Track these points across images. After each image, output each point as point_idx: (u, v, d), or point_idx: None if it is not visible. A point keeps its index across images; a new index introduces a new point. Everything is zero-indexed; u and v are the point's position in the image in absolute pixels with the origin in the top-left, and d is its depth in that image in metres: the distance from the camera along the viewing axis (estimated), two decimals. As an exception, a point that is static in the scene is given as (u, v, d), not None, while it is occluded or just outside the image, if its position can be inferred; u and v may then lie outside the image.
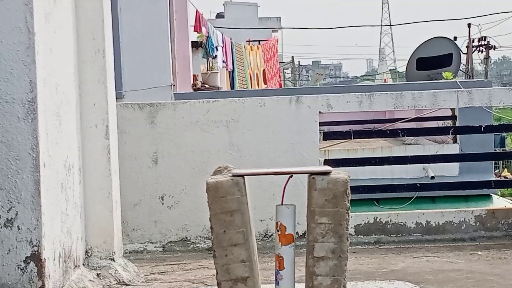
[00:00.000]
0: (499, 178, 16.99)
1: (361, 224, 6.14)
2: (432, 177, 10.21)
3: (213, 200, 3.21)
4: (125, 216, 5.85)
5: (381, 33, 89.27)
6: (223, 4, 31.33)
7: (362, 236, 6.09)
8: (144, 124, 6.14)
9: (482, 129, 6.69)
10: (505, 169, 23.80)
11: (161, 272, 5.30)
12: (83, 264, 4.84)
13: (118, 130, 5.42)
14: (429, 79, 15.45)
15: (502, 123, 14.97)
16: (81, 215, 4.83)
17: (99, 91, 4.95)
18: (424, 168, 10.45)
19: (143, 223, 6.13)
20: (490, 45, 37.26)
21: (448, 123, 11.30)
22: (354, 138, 7.43)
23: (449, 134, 10.32)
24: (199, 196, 5.60)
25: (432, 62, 17.75)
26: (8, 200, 3.91)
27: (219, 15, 30.97)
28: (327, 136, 7.00)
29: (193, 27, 14.69)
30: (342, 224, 3.27)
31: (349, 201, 3.31)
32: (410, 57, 18.52)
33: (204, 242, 6.08)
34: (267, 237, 6.08)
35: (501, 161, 24.31)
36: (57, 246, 4.20)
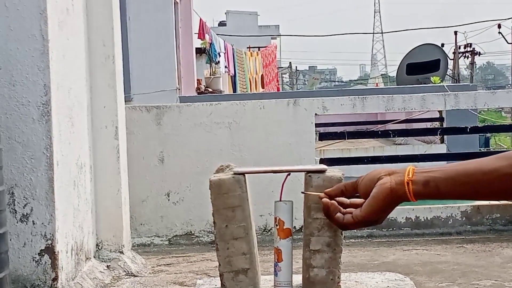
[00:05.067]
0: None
1: (354, 219, 6.14)
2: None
3: (216, 197, 3.21)
4: (133, 212, 5.85)
5: (373, 40, 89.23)
6: (225, 13, 31.34)
7: (355, 230, 6.09)
8: (151, 125, 6.14)
9: (468, 130, 6.69)
10: (489, 168, 23.70)
11: (167, 264, 5.30)
12: (94, 257, 4.84)
13: (127, 131, 5.42)
14: (418, 83, 15.46)
15: (486, 124, 14.96)
16: (92, 210, 4.83)
17: (109, 94, 4.95)
18: (413, 167, 10.43)
19: (150, 218, 6.13)
20: (475, 52, 37.23)
21: (436, 124, 11.29)
22: (348, 139, 7.42)
23: (437, 135, 10.31)
24: (202, 193, 5.60)
25: (421, 67, 17.76)
26: (24, 197, 3.91)
27: (221, 23, 30.97)
28: (322, 136, 7.00)
29: (197, 35, 14.70)
30: (337, 219, 3.26)
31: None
32: (400, 62, 18.53)
33: (207, 236, 6.08)
34: (266, 231, 6.08)
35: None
36: (69, 240, 4.20)
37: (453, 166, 1.22)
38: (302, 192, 1.59)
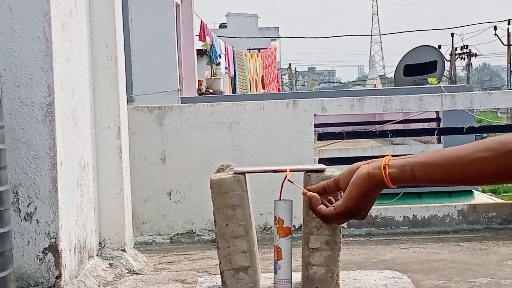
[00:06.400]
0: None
1: (352, 217, 6.13)
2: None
3: (217, 196, 3.21)
4: (136, 211, 5.85)
5: (371, 42, 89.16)
6: (226, 15, 31.32)
7: (353, 229, 6.09)
8: (153, 125, 6.14)
9: (464, 130, 6.69)
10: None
11: (169, 262, 5.30)
12: (97, 255, 4.84)
13: (129, 131, 5.42)
14: (416, 84, 15.45)
15: (482, 124, 14.96)
16: (95, 209, 4.83)
17: (111, 95, 4.95)
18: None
19: (152, 217, 6.13)
20: (471, 53, 37.25)
21: (433, 124, 11.29)
22: (346, 139, 7.42)
23: (434, 135, 10.30)
24: (203, 192, 5.60)
25: (418, 69, 17.74)
26: (28, 196, 3.91)
27: (222, 25, 30.94)
28: (321, 136, 7.00)
29: (198, 36, 14.70)
30: (335, 218, 3.25)
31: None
32: (398, 64, 18.51)
33: (208, 234, 6.08)
34: (266, 230, 6.08)
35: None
36: (72, 238, 4.20)
37: (431, 152, 1.23)
38: (288, 180, 1.60)
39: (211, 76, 14.53)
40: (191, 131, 6.13)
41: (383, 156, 1.26)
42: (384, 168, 1.23)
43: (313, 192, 1.35)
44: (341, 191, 1.34)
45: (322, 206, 1.33)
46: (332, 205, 1.33)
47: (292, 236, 3.28)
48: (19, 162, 3.90)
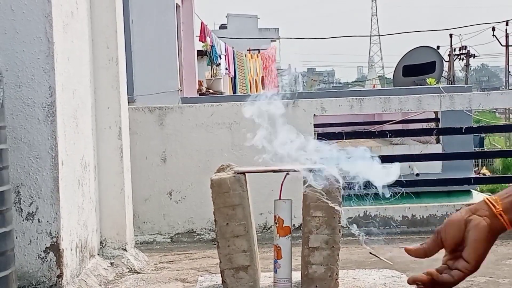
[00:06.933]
0: (478, 175, 16.98)
1: (352, 217, 6.14)
2: (417, 175, 10.17)
3: (217, 195, 3.22)
4: (137, 210, 5.84)
5: (370, 43, 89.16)
6: (226, 16, 31.29)
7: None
8: (153, 126, 6.14)
9: (463, 131, 6.68)
10: (484, 167, 23.77)
11: (169, 261, 5.30)
12: (98, 254, 4.84)
13: (130, 132, 5.42)
14: (414, 84, 15.44)
15: (481, 125, 14.95)
16: (96, 209, 4.83)
17: (112, 96, 4.95)
18: (409, 166, 10.42)
19: (153, 217, 6.13)
20: (470, 54, 37.19)
21: (432, 125, 11.29)
22: (345, 139, 7.41)
23: (432, 135, 10.31)
24: (204, 191, 5.60)
25: (417, 69, 17.74)
26: (30, 196, 3.91)
27: (222, 26, 30.91)
28: (321, 136, 6.99)
29: (198, 37, 14.70)
30: (335, 217, 3.28)
31: (341, 196, 3.31)
32: (397, 64, 18.51)
33: (209, 233, 6.08)
34: (266, 229, 6.07)
35: (480, 160, 24.28)
36: (74, 238, 4.20)
37: None
38: (371, 253, 1.57)
39: (211, 77, 14.53)
40: (191, 131, 6.13)
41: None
42: (501, 215, 1.25)
43: (414, 256, 1.32)
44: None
45: (447, 276, 1.30)
46: (456, 268, 1.30)
47: (291, 235, 3.28)
48: (21, 162, 3.90)
